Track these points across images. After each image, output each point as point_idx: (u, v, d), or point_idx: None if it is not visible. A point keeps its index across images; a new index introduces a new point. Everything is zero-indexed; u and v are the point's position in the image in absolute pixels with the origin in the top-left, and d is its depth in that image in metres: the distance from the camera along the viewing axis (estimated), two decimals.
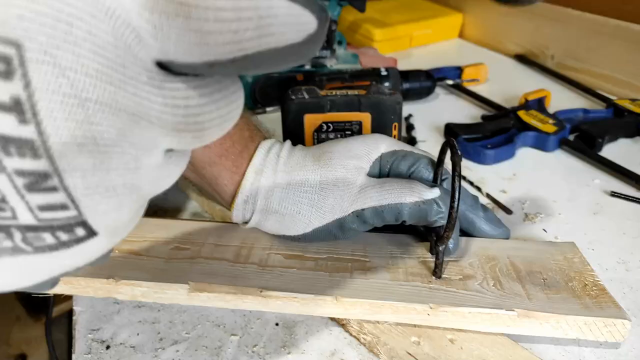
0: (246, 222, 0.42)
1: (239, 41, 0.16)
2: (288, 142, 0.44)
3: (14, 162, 0.15)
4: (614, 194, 0.55)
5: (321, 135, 0.51)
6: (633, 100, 0.70)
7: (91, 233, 0.18)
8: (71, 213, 0.17)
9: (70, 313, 0.40)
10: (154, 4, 0.16)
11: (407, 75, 0.74)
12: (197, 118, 0.18)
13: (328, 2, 0.71)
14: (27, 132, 0.15)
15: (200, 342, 0.38)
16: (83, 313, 0.40)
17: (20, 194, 0.16)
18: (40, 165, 0.15)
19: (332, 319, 0.40)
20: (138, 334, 0.39)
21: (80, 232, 0.18)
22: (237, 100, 0.20)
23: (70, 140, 0.16)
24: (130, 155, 0.18)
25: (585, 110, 0.70)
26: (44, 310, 0.45)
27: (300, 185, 0.40)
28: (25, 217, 0.16)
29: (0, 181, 0.15)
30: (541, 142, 0.63)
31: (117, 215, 0.19)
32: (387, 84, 0.69)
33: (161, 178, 0.20)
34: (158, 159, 0.19)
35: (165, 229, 0.45)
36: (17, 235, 0.17)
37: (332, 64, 0.72)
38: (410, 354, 0.36)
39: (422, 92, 0.75)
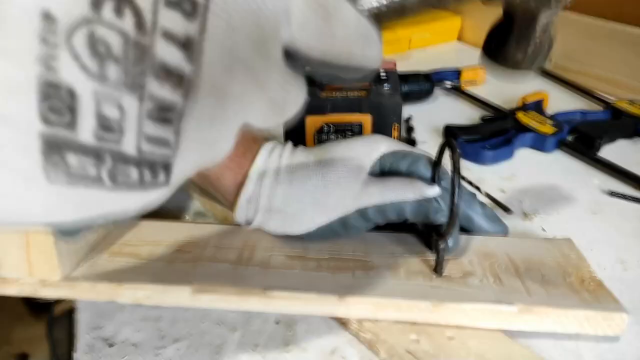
0: (249, 223, 0.42)
1: (348, 53, 0.22)
2: (289, 144, 0.44)
3: (158, 89, 0.16)
4: (612, 194, 0.55)
5: (322, 137, 0.51)
6: (631, 101, 0.71)
7: (166, 181, 0.18)
8: (167, 152, 0.17)
9: (71, 312, 0.40)
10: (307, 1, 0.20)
11: (406, 77, 0.74)
12: (285, 100, 0.22)
13: None
14: (185, 68, 0.16)
15: (201, 340, 0.38)
16: (84, 311, 0.41)
17: (141, 118, 0.16)
18: (176, 99, 0.17)
19: (332, 317, 0.40)
20: (140, 332, 0.39)
21: (161, 176, 0.18)
22: (300, 94, 0.24)
23: (210, 87, 0.17)
24: (231, 114, 0.20)
25: (583, 112, 0.70)
26: (45, 309, 0.45)
27: (303, 184, 0.40)
28: (129, 146, 0.16)
29: (131, 102, 0.16)
30: (540, 143, 0.63)
31: (192, 169, 0.19)
32: (386, 86, 0.69)
33: (222, 148, 0.21)
34: (236, 128, 0.21)
35: (166, 231, 0.45)
36: (108, 164, 0.16)
37: None
38: (409, 352, 0.36)
39: (421, 95, 0.76)
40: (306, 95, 0.24)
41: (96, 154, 0.16)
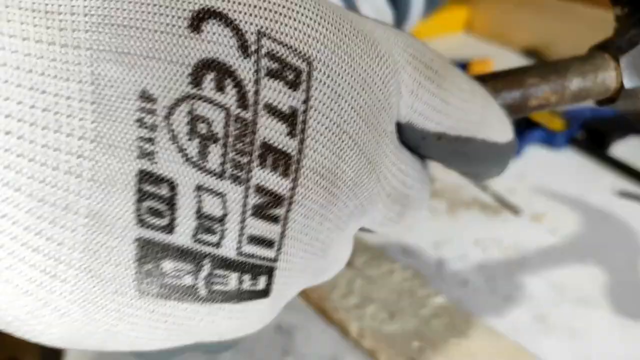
0: None
1: (467, 121, 0.18)
2: None
3: (262, 175, 0.14)
4: (623, 194, 0.53)
5: None
6: None
7: (266, 291, 0.15)
8: (269, 254, 0.15)
9: None
10: (416, 64, 0.17)
11: None
12: (408, 191, 0.18)
13: None
14: (290, 145, 0.14)
15: (196, 347, 0.37)
16: None
17: (244, 216, 0.14)
18: (282, 186, 0.14)
19: (333, 323, 0.39)
20: None
21: (261, 283, 0.15)
22: (427, 194, 0.20)
23: (317, 168, 0.15)
24: (347, 211, 0.16)
25: (594, 108, 0.68)
26: None
27: None
28: (229, 248, 0.14)
29: (234, 195, 0.14)
30: (549, 140, 0.62)
31: (295, 280, 0.16)
32: None
33: (336, 261, 0.18)
34: (352, 233, 0.18)
35: None
36: (205, 270, 0.14)
37: None
38: None
39: None
40: (426, 199, 0.20)
41: (194, 259, 0.14)
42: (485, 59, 0.81)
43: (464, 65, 0.79)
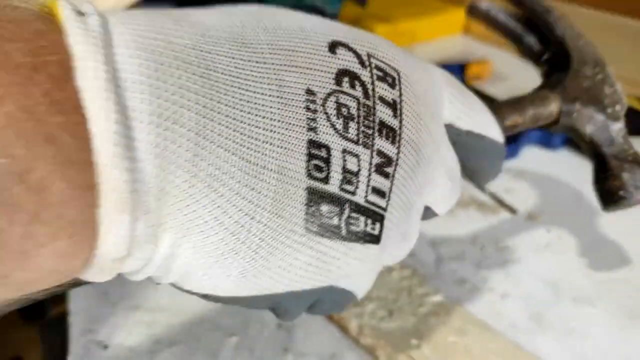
0: None
1: (482, 122, 0.26)
2: None
3: (381, 142, 0.20)
4: None
5: None
6: (638, 98, 0.69)
7: (378, 237, 0.21)
8: (382, 203, 0.21)
9: (65, 315, 0.40)
10: (451, 84, 0.25)
11: None
12: (457, 172, 0.25)
13: None
14: (394, 123, 0.21)
15: (197, 345, 0.37)
16: (78, 315, 0.40)
17: (370, 171, 0.20)
18: (392, 150, 0.21)
19: (332, 321, 0.39)
20: (134, 336, 0.38)
21: (376, 228, 0.21)
22: (461, 180, 0.27)
23: (410, 141, 0.21)
24: (423, 178, 0.23)
25: None
26: (39, 312, 0.44)
27: None
28: (360, 195, 0.20)
29: (365, 156, 0.20)
30: (546, 140, 0.62)
31: (393, 234, 0.22)
32: None
33: (412, 233, 0.24)
34: (422, 206, 0.24)
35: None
36: (346, 213, 0.19)
37: None
38: (410, 357, 0.35)
39: None
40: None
41: (340, 204, 0.19)
42: (483, 60, 0.81)
43: (462, 67, 0.79)
